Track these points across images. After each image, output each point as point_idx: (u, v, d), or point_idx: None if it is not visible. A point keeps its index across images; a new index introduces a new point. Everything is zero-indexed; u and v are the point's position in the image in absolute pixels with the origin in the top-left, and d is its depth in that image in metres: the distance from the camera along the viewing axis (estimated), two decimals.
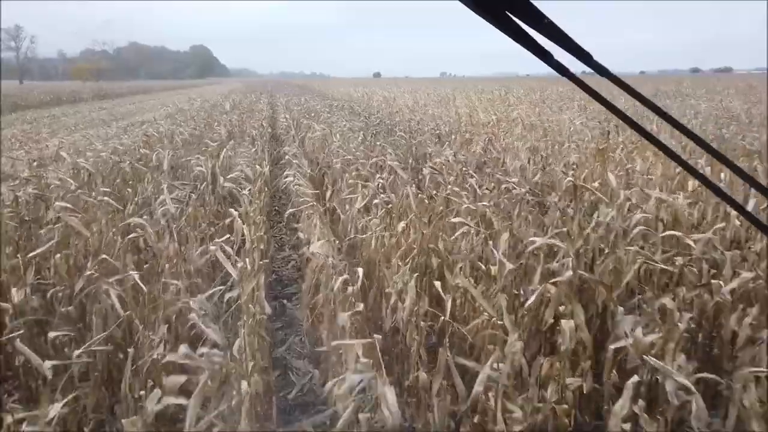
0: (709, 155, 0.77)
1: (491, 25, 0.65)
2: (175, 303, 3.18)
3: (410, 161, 7.23)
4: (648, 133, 0.75)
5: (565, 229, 3.70)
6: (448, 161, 6.12)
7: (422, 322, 3.45)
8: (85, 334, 3.08)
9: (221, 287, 3.08)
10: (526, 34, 0.66)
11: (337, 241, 4.50)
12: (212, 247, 3.39)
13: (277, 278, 6.01)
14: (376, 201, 4.22)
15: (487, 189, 4.92)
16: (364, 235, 4.50)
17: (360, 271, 3.12)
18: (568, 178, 4.83)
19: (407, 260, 3.96)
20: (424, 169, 5.74)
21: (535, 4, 0.65)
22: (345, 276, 2.95)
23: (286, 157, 6.72)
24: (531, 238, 3.24)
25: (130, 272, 3.14)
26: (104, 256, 3.36)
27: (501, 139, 8.59)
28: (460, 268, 3.61)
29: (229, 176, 5.39)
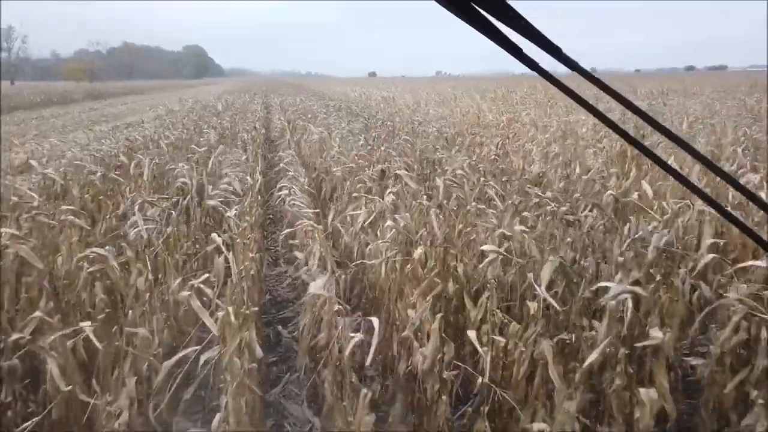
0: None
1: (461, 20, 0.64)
2: (140, 363, 2.50)
3: (419, 168, 6.54)
4: (633, 138, 0.75)
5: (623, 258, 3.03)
6: (464, 170, 5.44)
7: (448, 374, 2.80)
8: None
9: (196, 347, 2.39)
10: (496, 28, 0.64)
11: (342, 272, 3.83)
12: (185, 293, 2.70)
13: (271, 299, 5.34)
14: (388, 223, 3.53)
15: (514, 204, 4.24)
16: (372, 261, 3.82)
17: (376, 323, 2.44)
18: (609, 192, 4.16)
19: (427, 295, 3.30)
20: (436, 178, 5.05)
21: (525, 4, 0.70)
22: (358, 337, 2.27)
23: (281, 164, 6.02)
24: (606, 283, 2.54)
25: (82, 323, 2.46)
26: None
27: (515, 143, 7.93)
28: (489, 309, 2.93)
29: (214, 192, 4.69)
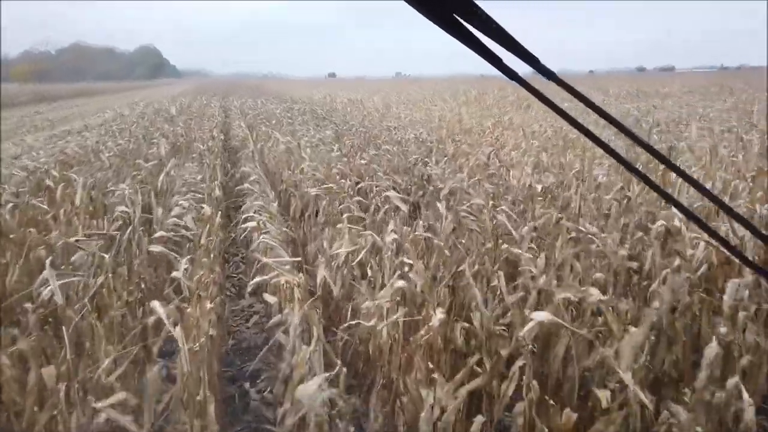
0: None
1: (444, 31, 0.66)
2: None
3: (407, 185, 5.64)
4: (614, 151, 0.74)
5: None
6: (466, 190, 4.55)
7: None
8: None
9: None
10: (476, 38, 0.66)
11: (328, 341, 2.89)
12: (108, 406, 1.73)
13: (235, 345, 4.38)
14: (398, 284, 2.62)
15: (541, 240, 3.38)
16: (368, 323, 2.90)
17: None
18: (660, 223, 3.33)
19: (448, 378, 2.45)
20: (437, 203, 4.15)
21: (484, 6, 0.65)
22: None
23: (246, 184, 5.03)
24: None
25: None
26: None
27: (505, 152, 7.09)
28: None
29: (155, 235, 3.70)
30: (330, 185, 5.42)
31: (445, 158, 6.55)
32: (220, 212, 5.86)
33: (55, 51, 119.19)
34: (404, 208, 4.39)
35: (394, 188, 5.28)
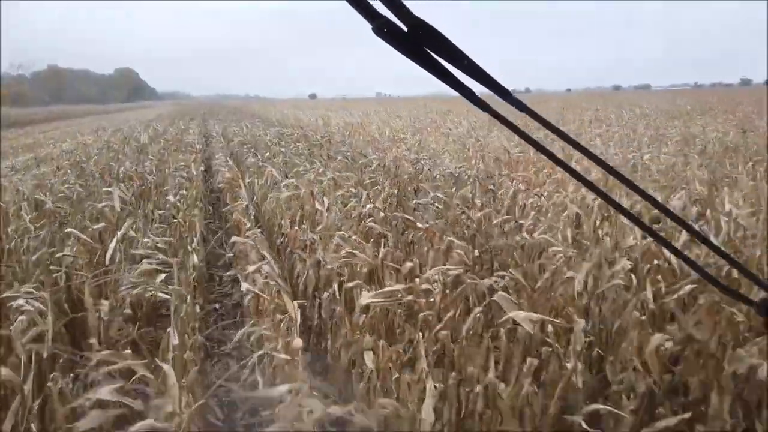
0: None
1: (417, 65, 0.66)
2: None
3: (484, 263, 3.68)
4: (592, 184, 0.79)
5: None
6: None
7: None
8: None
9: None
10: (448, 71, 0.67)
11: None
12: None
13: None
14: None
15: None
16: None
17: None
18: None
19: None
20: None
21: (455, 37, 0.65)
22: None
23: (243, 287, 3.01)
24: None
25: None
26: None
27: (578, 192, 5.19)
28: None
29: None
30: (363, 256, 3.49)
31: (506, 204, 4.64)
32: (197, 305, 3.89)
33: (30, 74, 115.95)
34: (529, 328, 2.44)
35: (463, 265, 3.33)
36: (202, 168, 9.09)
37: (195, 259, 4.32)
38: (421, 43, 0.64)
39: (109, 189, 5.30)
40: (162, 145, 11.16)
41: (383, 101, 74.63)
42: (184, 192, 5.64)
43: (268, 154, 8.77)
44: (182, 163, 7.83)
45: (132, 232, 4.50)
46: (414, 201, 4.82)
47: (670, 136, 9.94)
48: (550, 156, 0.75)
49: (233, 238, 3.74)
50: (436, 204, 4.78)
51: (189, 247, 4.42)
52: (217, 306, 4.59)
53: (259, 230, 4.04)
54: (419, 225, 3.84)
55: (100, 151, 9.70)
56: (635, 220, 0.83)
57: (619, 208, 0.79)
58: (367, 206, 4.52)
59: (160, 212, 4.95)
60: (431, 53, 0.64)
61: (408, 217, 4.26)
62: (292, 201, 5.07)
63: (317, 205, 4.64)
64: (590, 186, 0.76)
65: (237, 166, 8.41)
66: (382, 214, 4.42)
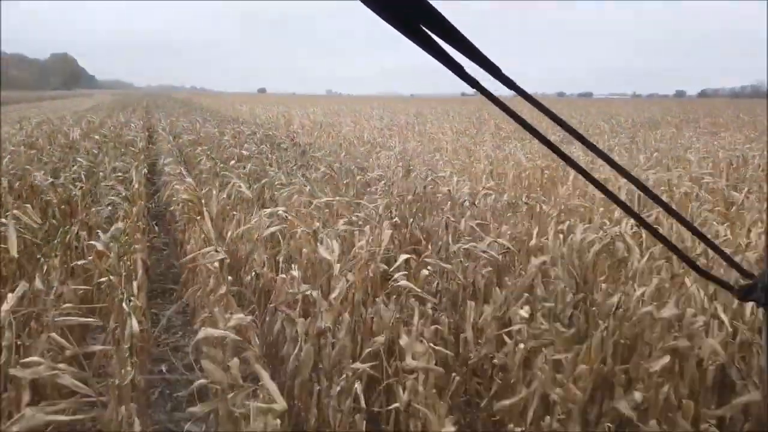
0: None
1: (403, 35, 0.65)
2: None
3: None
4: (583, 169, 0.77)
5: None
6: None
7: None
8: None
9: None
10: (439, 46, 0.66)
11: None
12: None
13: None
14: None
15: None
16: None
17: None
18: None
19: None
20: None
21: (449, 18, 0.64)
22: None
23: None
24: None
25: None
26: None
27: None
28: None
29: None
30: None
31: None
32: None
33: None
34: None
35: None
36: (145, 171, 7.36)
37: (134, 325, 2.78)
38: (414, 16, 0.63)
39: (7, 215, 3.61)
40: (97, 141, 9.28)
41: (335, 99, 72.78)
42: (124, 210, 4.02)
43: (226, 155, 7.12)
44: (119, 170, 6.10)
45: (39, 284, 2.93)
46: (458, 245, 3.34)
47: (695, 149, 8.79)
48: (548, 143, 0.74)
49: (201, 331, 2.18)
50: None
51: (125, 306, 2.89)
52: None
53: (246, 313, 2.48)
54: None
55: (15, 151, 7.77)
56: (624, 206, 0.81)
57: (607, 192, 0.80)
58: (364, 241, 3.03)
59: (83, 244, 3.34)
60: (423, 27, 0.63)
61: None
62: (282, 240, 3.51)
63: (322, 252, 3.11)
64: (581, 170, 0.77)
65: (189, 171, 6.73)
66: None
